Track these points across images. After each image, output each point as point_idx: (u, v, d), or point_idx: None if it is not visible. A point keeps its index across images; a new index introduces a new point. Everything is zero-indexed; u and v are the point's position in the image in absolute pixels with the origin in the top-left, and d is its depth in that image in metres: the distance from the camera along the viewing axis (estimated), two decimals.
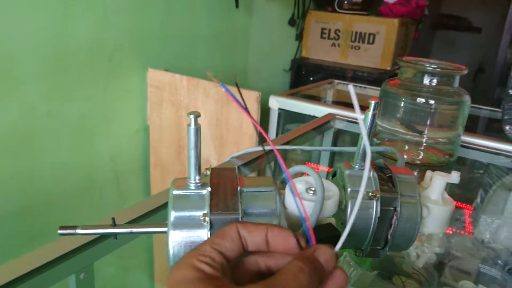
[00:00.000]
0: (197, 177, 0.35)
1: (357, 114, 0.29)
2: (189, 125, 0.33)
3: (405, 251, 0.79)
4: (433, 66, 0.71)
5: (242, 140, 1.09)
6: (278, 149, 0.76)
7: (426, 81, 0.71)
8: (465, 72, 0.70)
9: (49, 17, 0.92)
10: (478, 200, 0.92)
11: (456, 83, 0.72)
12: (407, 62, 0.73)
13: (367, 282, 0.67)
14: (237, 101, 0.31)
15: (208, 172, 0.38)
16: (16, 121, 0.91)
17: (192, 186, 0.35)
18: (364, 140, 0.31)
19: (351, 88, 0.31)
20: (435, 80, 0.70)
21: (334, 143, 1.01)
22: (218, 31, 1.45)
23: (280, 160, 0.31)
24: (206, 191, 0.35)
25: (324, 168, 1.05)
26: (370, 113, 0.40)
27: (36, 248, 0.40)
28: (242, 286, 0.25)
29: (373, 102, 0.40)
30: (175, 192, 0.35)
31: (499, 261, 0.80)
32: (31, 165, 0.96)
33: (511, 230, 0.79)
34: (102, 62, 1.07)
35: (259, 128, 0.31)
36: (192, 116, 0.33)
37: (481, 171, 0.93)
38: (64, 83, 0.98)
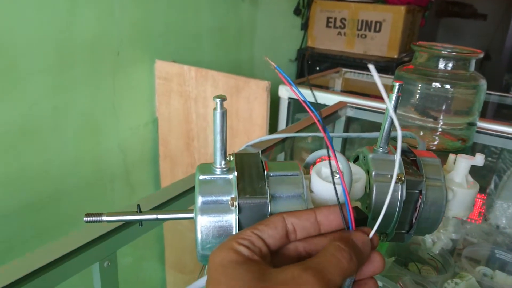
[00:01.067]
0: (223, 162, 0.35)
1: (383, 94, 0.29)
2: (215, 109, 0.33)
3: (421, 237, 0.79)
4: (448, 50, 0.70)
5: (253, 130, 1.08)
6: (293, 136, 0.75)
7: (441, 65, 0.70)
8: (481, 56, 0.69)
9: (54, 12, 0.91)
10: (492, 186, 0.92)
11: (472, 67, 0.71)
12: (422, 46, 0.72)
13: (384, 270, 0.67)
14: (298, 91, 0.31)
15: (232, 158, 0.37)
16: (22, 117, 0.90)
17: (218, 171, 0.35)
18: (394, 121, 0.31)
19: (372, 68, 0.30)
20: (450, 64, 0.69)
21: (346, 131, 1.00)
22: (224, 23, 1.44)
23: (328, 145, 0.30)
24: (232, 175, 0.35)
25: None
26: (394, 95, 0.40)
27: (45, 243, 0.40)
28: (280, 267, 0.24)
29: (397, 84, 0.39)
30: (201, 177, 0.34)
31: None
32: (39, 160, 0.96)
33: None
34: (110, 56, 1.06)
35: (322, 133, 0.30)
36: (218, 100, 0.32)
37: (495, 156, 0.93)
38: (70, 78, 0.98)
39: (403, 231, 0.42)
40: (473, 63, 0.71)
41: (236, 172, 0.35)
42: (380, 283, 0.65)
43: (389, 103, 0.33)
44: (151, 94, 1.22)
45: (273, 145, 0.73)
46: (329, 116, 0.95)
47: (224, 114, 0.33)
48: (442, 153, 0.74)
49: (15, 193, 0.93)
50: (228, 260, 0.25)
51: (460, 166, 0.43)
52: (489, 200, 0.86)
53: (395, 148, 0.44)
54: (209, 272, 0.26)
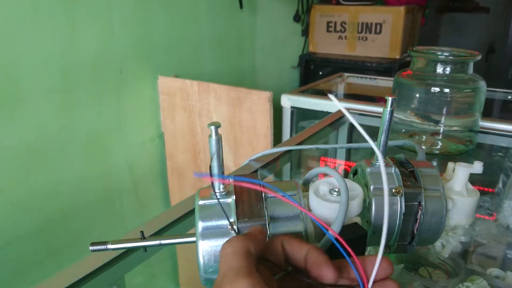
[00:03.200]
0: (221, 186, 0.36)
1: (364, 134, 0.29)
2: (210, 136, 0.34)
3: None
4: (445, 54, 0.70)
5: (257, 140, 1.09)
6: (292, 150, 0.75)
7: (439, 69, 0.70)
8: (479, 58, 0.69)
9: (55, 34, 0.93)
10: (500, 185, 0.91)
11: (470, 69, 0.71)
12: (419, 52, 0.72)
13: (394, 276, 0.67)
14: None
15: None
16: (30, 138, 0.92)
17: (217, 195, 0.35)
18: (369, 140, 0.31)
19: (336, 103, 0.30)
20: (448, 68, 0.70)
21: (350, 137, 1.00)
22: (223, 33, 1.46)
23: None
24: (231, 199, 0.35)
25: (341, 162, 1.05)
26: (388, 109, 0.40)
27: (58, 263, 0.41)
28: None
29: (390, 99, 0.39)
30: (201, 202, 0.35)
31: None
32: (48, 181, 0.98)
33: None
34: (113, 74, 1.08)
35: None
36: (212, 127, 0.33)
37: (501, 156, 0.92)
38: (74, 98, 1.00)
39: (405, 243, 0.43)
40: (471, 65, 0.71)
41: (234, 196, 0.35)
42: None
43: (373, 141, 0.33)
44: (156, 110, 1.23)
45: (278, 156, 0.73)
46: (332, 124, 0.95)
47: (219, 140, 0.34)
48: (445, 157, 0.74)
49: (27, 215, 0.95)
50: None
51: (459, 174, 0.43)
52: (497, 200, 0.85)
53: (393, 160, 0.44)
54: None
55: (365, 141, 0.31)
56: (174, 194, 1.32)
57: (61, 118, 0.98)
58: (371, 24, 1.80)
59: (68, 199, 1.03)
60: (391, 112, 0.40)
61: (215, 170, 0.35)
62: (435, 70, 0.71)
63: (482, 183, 0.81)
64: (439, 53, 0.71)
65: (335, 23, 1.87)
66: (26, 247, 0.96)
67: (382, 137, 0.41)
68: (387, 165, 0.42)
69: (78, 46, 0.98)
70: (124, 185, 1.19)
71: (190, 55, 1.33)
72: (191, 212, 0.51)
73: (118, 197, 1.17)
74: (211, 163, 0.34)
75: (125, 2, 1.08)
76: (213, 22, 1.40)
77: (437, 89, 0.70)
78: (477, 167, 0.42)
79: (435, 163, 0.72)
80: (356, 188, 0.39)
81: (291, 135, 1.15)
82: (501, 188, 0.90)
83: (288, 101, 1.13)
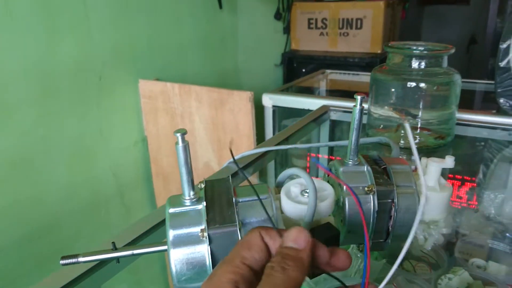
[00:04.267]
0: (191, 193, 0.35)
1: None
2: (176, 143, 0.33)
3: None
4: (420, 48, 0.71)
5: (241, 141, 1.09)
6: (273, 150, 0.75)
7: (414, 64, 0.71)
8: (452, 51, 0.70)
9: (33, 43, 0.92)
10: (481, 175, 0.92)
11: (445, 63, 0.72)
12: (393, 47, 0.72)
13: (376, 271, 0.68)
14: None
15: (203, 185, 0.38)
16: (11, 149, 0.91)
17: (188, 202, 0.35)
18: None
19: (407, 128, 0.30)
20: (423, 63, 0.70)
21: (332, 134, 1.01)
22: (205, 34, 1.45)
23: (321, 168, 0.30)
24: (201, 205, 0.35)
25: (325, 157, 1.05)
26: (358, 107, 0.40)
27: (45, 273, 0.41)
28: None
29: (358, 97, 0.40)
30: (171, 210, 0.35)
31: (508, 234, 0.80)
32: (31, 191, 0.96)
33: None
34: (92, 81, 1.07)
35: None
36: (178, 134, 0.33)
37: (481, 147, 0.93)
38: (56, 106, 0.99)
39: (381, 240, 0.43)
40: (445, 59, 0.71)
41: (205, 202, 0.35)
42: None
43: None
44: (138, 114, 1.22)
45: (259, 156, 0.73)
46: (313, 121, 0.96)
47: (186, 147, 0.34)
48: (425, 151, 0.75)
49: (12, 225, 0.94)
50: None
51: (431, 170, 0.44)
52: (477, 190, 0.86)
53: (366, 157, 0.44)
54: None
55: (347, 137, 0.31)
56: (160, 198, 1.32)
57: (42, 127, 0.97)
58: (352, 19, 1.81)
59: (53, 208, 1.02)
60: (361, 110, 0.40)
61: (184, 177, 0.35)
62: (410, 65, 0.71)
63: (463, 174, 0.82)
64: (414, 48, 0.72)
65: (316, 19, 1.88)
66: (12, 258, 0.95)
67: (353, 136, 0.42)
68: (359, 163, 0.42)
69: (56, 54, 0.97)
70: (109, 191, 1.18)
71: (173, 58, 1.32)
72: (164, 221, 0.50)
73: (103, 204, 1.16)
74: (179, 170, 0.34)
75: (103, 6, 1.07)
76: (195, 24, 1.39)
77: (413, 84, 0.70)
78: (449, 161, 0.43)
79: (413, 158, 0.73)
80: (327, 188, 0.39)
81: (274, 134, 1.15)
82: (481, 179, 0.91)
83: (269, 100, 1.13)
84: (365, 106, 0.86)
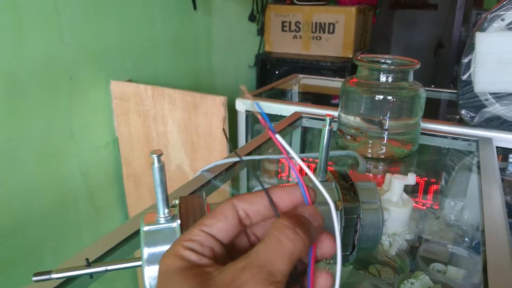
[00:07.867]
0: (166, 211, 0.36)
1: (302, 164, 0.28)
2: (152, 164, 0.34)
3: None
4: (388, 62, 0.74)
5: (213, 144, 1.10)
6: (245, 160, 0.77)
7: (382, 78, 0.74)
8: (417, 66, 0.73)
9: None
10: (443, 182, 0.97)
11: (411, 77, 0.75)
12: (363, 61, 0.75)
13: (344, 277, 0.70)
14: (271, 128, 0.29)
15: (177, 201, 0.39)
16: None
17: (162, 220, 0.36)
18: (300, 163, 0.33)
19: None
20: (390, 77, 0.73)
21: (303, 140, 1.03)
22: (178, 35, 1.45)
23: (299, 176, 0.28)
24: (176, 223, 0.36)
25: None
26: (327, 128, 0.42)
27: (10, 279, 0.41)
28: (224, 267, 0.22)
29: (328, 119, 0.42)
30: (146, 228, 0.36)
31: (466, 239, 0.85)
32: None
33: (473, 210, 0.83)
34: (62, 81, 1.05)
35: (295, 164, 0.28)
36: (154, 156, 0.34)
37: (444, 156, 0.98)
38: (23, 106, 0.96)
39: (348, 253, 0.45)
40: (411, 73, 0.75)
41: (179, 220, 0.36)
42: None
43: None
44: (109, 115, 1.21)
45: (233, 164, 0.74)
46: (288, 126, 0.98)
47: (162, 168, 0.35)
48: (391, 161, 0.78)
49: None
50: (173, 269, 0.23)
51: (395, 186, 0.46)
52: (439, 198, 0.91)
53: (334, 173, 0.46)
54: (157, 281, 0.24)
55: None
56: (131, 200, 1.31)
57: (8, 128, 0.94)
58: (325, 24, 1.84)
59: (20, 211, 1.00)
60: (330, 131, 0.42)
61: (159, 196, 0.36)
62: (378, 79, 0.74)
63: (427, 181, 0.85)
64: (382, 61, 0.75)
65: (290, 22, 1.90)
66: None
67: (323, 154, 0.44)
68: (328, 180, 0.44)
69: (24, 53, 0.95)
70: (78, 192, 1.16)
71: (145, 58, 1.31)
72: (136, 233, 0.51)
73: (72, 205, 1.15)
74: (154, 189, 0.35)
75: (74, 5, 1.05)
76: (167, 24, 1.39)
77: (380, 97, 0.73)
78: (411, 179, 0.45)
79: (381, 168, 0.76)
80: None
81: (246, 139, 1.16)
82: (444, 186, 0.96)
83: (242, 105, 1.14)
84: (335, 113, 0.88)
